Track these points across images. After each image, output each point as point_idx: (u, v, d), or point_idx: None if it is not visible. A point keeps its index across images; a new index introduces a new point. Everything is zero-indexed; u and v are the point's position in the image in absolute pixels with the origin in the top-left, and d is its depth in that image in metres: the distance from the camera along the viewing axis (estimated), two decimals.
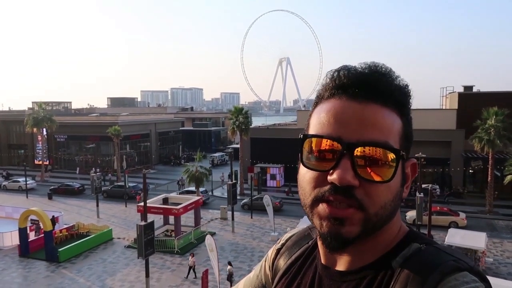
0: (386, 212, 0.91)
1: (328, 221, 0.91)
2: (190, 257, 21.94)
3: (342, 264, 1.00)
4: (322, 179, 0.91)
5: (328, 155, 0.90)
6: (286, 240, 1.28)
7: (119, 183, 42.18)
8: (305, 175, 0.95)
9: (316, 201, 0.92)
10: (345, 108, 0.92)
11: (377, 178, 0.88)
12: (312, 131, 0.96)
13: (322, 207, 0.91)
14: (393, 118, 0.93)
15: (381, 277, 0.93)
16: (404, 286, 0.87)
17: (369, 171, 0.88)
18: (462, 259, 0.89)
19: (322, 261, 1.06)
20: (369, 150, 0.87)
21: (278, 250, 1.28)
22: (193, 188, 38.92)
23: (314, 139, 0.93)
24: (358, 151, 0.87)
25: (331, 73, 0.98)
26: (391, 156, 0.88)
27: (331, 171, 0.89)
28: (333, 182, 0.88)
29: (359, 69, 0.96)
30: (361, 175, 0.87)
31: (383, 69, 0.96)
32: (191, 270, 21.48)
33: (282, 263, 1.23)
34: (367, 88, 0.92)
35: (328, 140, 0.90)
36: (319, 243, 1.04)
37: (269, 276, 1.28)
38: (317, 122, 0.95)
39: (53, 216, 28.56)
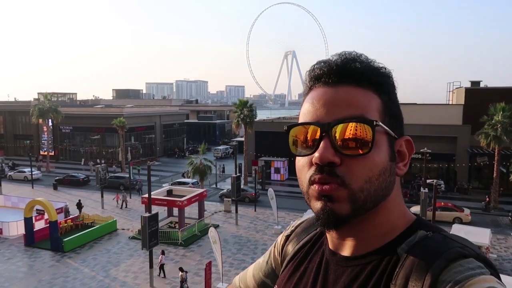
0: (374, 187, 0.92)
1: (319, 199, 0.94)
2: (160, 255, 21.13)
3: (348, 249, 1.02)
4: (310, 163, 0.96)
5: (312, 139, 0.95)
6: (296, 227, 1.32)
7: (115, 174, 42.39)
8: (298, 163, 1.01)
9: (309, 186, 0.96)
10: (320, 94, 0.98)
11: (355, 152, 0.91)
12: (298, 122, 1.02)
13: (312, 188, 0.95)
14: (369, 96, 0.96)
15: (386, 263, 0.94)
16: (409, 272, 0.87)
17: (349, 146, 0.91)
18: (469, 246, 0.88)
19: (330, 246, 1.08)
20: (346, 126, 0.91)
21: (288, 236, 1.32)
22: (184, 180, 39.43)
23: (298, 128, 0.99)
24: (336, 129, 0.92)
25: (309, 70, 1.06)
26: (367, 128, 0.91)
27: (315, 153, 0.94)
28: (316, 162, 0.93)
29: (331, 59, 1.02)
30: (341, 151, 0.91)
31: (354, 54, 1.01)
32: (161, 269, 20.81)
33: (291, 248, 1.27)
34: (337, 72, 0.98)
35: (311, 127, 0.95)
36: (318, 224, 1.05)
37: (278, 260, 1.32)
38: (301, 114, 1.02)
39: (79, 201, 31.43)
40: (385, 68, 1.02)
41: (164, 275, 20.78)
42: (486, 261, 0.86)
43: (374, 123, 0.91)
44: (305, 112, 1.00)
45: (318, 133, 0.94)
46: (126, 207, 32.79)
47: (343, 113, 0.93)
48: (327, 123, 0.93)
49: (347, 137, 0.91)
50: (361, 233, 0.99)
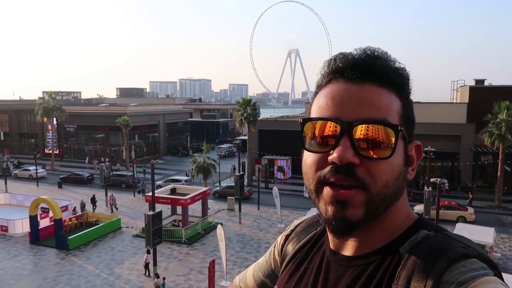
0: (389, 191, 0.91)
1: (332, 205, 0.91)
2: (146, 254, 20.92)
3: (350, 249, 1.01)
4: (323, 161, 0.92)
5: (328, 136, 0.91)
6: (295, 227, 1.30)
7: (118, 172, 42.65)
8: (307, 159, 0.96)
9: (319, 185, 0.93)
10: (342, 90, 0.94)
11: (377, 155, 0.88)
12: (312, 116, 0.97)
13: (326, 191, 0.92)
14: (391, 98, 0.94)
15: (388, 263, 0.92)
16: (411, 272, 0.86)
17: (369, 148, 0.88)
18: (471, 246, 0.87)
19: (331, 246, 1.06)
20: (368, 128, 0.88)
21: (287, 236, 1.30)
22: (178, 177, 39.80)
23: (314, 122, 0.94)
24: (357, 129, 0.88)
25: (328, 61, 1.01)
26: (390, 132, 0.88)
27: (332, 151, 0.90)
28: (334, 162, 0.89)
29: (355, 54, 0.98)
30: (361, 153, 0.88)
31: (379, 52, 0.98)
32: (146, 268, 20.73)
33: (291, 248, 1.25)
34: (362, 69, 0.94)
35: (328, 122, 0.91)
36: (327, 229, 1.04)
37: (278, 261, 1.30)
38: (316, 107, 0.97)
39: (93, 195, 32.39)
40: (405, 69, 0.99)
41: (149, 274, 20.58)
42: (489, 261, 0.85)
43: (399, 128, 0.89)
44: (323, 107, 0.94)
45: (338, 131, 0.89)
46: (117, 210, 31.87)
47: (366, 114, 0.89)
48: (349, 121, 0.89)
49: (369, 140, 0.88)
50: (366, 235, 0.97)
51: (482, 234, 21.01)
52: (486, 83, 44.34)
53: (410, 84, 0.99)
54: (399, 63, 0.98)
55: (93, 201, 32.14)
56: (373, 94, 0.92)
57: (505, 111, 30.21)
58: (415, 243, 0.91)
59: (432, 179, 28.04)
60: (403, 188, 0.96)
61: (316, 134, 0.93)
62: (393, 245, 0.94)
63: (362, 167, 0.88)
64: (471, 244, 0.89)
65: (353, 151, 0.87)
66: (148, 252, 20.94)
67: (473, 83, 44.09)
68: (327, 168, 0.91)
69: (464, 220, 27.31)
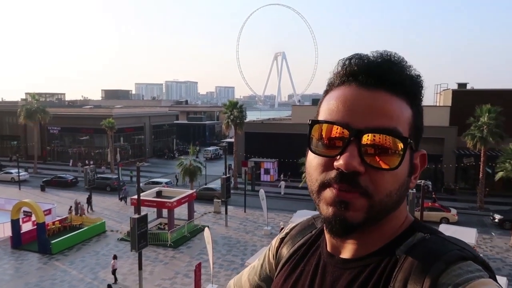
0: (391, 200, 0.91)
1: (334, 205, 0.90)
2: (112, 259, 20.48)
3: (346, 252, 1.01)
4: (329, 165, 0.91)
5: (336, 141, 0.90)
6: (290, 230, 1.29)
7: (102, 175, 42.13)
8: (312, 161, 0.96)
9: (322, 187, 0.93)
10: (355, 95, 0.92)
11: (383, 166, 0.87)
12: (321, 117, 0.96)
13: (329, 192, 0.91)
14: (403, 107, 0.92)
15: (384, 265, 0.93)
16: (408, 275, 0.86)
17: (376, 158, 0.87)
18: (467, 249, 0.88)
19: (328, 248, 1.06)
20: (377, 137, 0.87)
21: (282, 239, 1.29)
22: (159, 179, 39.91)
23: (322, 125, 0.93)
24: (365, 138, 0.87)
25: (343, 61, 0.98)
26: (399, 143, 0.88)
27: (338, 157, 0.89)
28: (339, 168, 0.88)
29: (371, 57, 0.95)
30: (367, 161, 0.87)
31: (395, 57, 0.95)
32: (114, 274, 20.19)
33: (285, 251, 1.24)
34: (377, 76, 0.92)
35: (337, 127, 0.90)
36: (325, 229, 1.03)
37: (273, 264, 1.29)
38: (326, 109, 0.95)
39: (89, 195, 32.30)
40: (420, 77, 0.97)
41: (116, 281, 20.10)
42: (484, 264, 0.86)
43: (408, 140, 0.89)
44: (334, 109, 0.93)
45: (346, 137, 0.88)
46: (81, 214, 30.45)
47: (376, 122, 0.88)
48: (358, 129, 0.88)
49: (377, 149, 0.87)
50: (363, 238, 0.97)
51: (464, 235, 21.35)
52: (468, 87, 45.33)
53: (423, 92, 0.98)
54: (414, 70, 0.96)
55: (89, 201, 32.19)
56: (385, 102, 0.90)
57: (487, 114, 30.87)
58: (411, 245, 0.92)
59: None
60: (404, 197, 0.97)
61: (324, 137, 0.92)
62: (390, 247, 0.95)
63: (367, 175, 0.88)
64: (466, 246, 0.90)
65: (360, 160, 0.87)
66: (114, 257, 20.47)
67: (455, 87, 44.99)
68: (332, 173, 0.90)
69: (447, 221, 27.77)
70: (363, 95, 0.91)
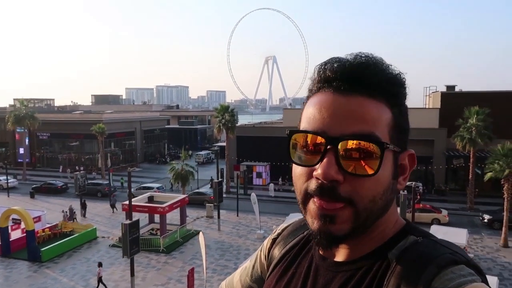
0: (377, 206, 0.90)
1: (319, 219, 0.90)
2: (98, 267, 20.00)
3: (339, 255, 1.01)
4: (309, 174, 0.91)
5: (315, 150, 0.89)
6: (282, 230, 1.28)
7: (93, 181, 41.72)
8: (295, 170, 0.95)
9: (306, 198, 0.92)
10: (330, 102, 0.91)
11: (362, 172, 0.86)
12: (301, 125, 0.96)
13: (312, 205, 0.91)
14: (381, 109, 0.90)
15: (376, 268, 0.92)
16: (400, 278, 0.86)
17: (354, 165, 0.86)
18: (459, 252, 0.88)
19: (320, 251, 1.06)
20: (353, 143, 0.86)
21: (274, 240, 1.28)
22: (150, 184, 39.87)
23: (300, 135, 0.93)
24: (342, 145, 0.86)
25: (318, 67, 0.97)
26: (376, 148, 0.86)
27: (317, 165, 0.88)
28: (318, 178, 0.88)
29: (345, 61, 0.94)
30: (345, 169, 0.86)
31: (371, 59, 0.93)
32: (100, 282, 19.72)
33: (277, 252, 1.23)
34: (352, 80, 0.90)
35: (314, 136, 0.90)
36: (313, 242, 1.03)
37: (265, 265, 1.28)
38: (305, 117, 0.95)
39: (84, 200, 32.34)
40: (401, 75, 0.95)
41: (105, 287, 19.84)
42: (476, 267, 0.86)
43: (385, 145, 0.87)
44: (311, 118, 0.92)
45: (322, 146, 0.88)
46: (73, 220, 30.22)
47: (352, 128, 0.87)
48: (334, 137, 0.87)
49: (354, 156, 0.86)
50: (354, 243, 0.96)
51: (455, 236, 21.56)
52: (457, 89, 45.87)
53: (404, 91, 0.96)
54: (393, 69, 0.94)
55: (84, 206, 32.10)
56: (361, 107, 0.88)
57: (475, 116, 31.28)
58: (403, 248, 0.92)
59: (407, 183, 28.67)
60: (392, 200, 0.95)
61: (303, 146, 0.91)
62: (382, 250, 0.94)
63: (347, 183, 0.87)
64: (459, 250, 0.90)
65: (337, 167, 0.86)
66: (99, 265, 20.12)
67: (444, 89, 45.51)
68: (313, 183, 0.90)
69: (438, 222, 28.00)
70: (339, 101, 0.90)
